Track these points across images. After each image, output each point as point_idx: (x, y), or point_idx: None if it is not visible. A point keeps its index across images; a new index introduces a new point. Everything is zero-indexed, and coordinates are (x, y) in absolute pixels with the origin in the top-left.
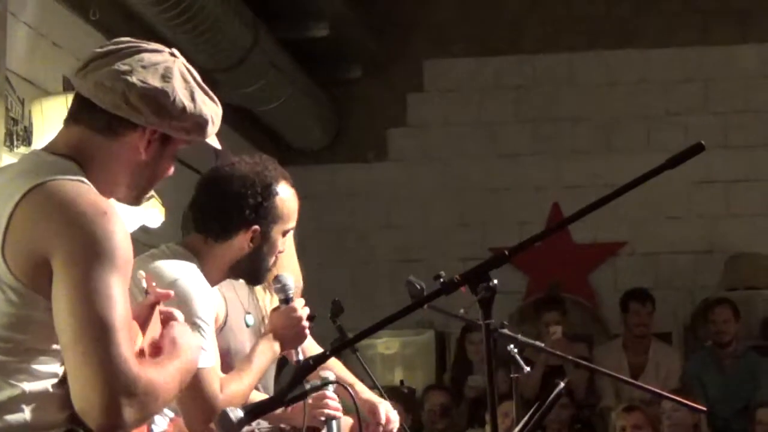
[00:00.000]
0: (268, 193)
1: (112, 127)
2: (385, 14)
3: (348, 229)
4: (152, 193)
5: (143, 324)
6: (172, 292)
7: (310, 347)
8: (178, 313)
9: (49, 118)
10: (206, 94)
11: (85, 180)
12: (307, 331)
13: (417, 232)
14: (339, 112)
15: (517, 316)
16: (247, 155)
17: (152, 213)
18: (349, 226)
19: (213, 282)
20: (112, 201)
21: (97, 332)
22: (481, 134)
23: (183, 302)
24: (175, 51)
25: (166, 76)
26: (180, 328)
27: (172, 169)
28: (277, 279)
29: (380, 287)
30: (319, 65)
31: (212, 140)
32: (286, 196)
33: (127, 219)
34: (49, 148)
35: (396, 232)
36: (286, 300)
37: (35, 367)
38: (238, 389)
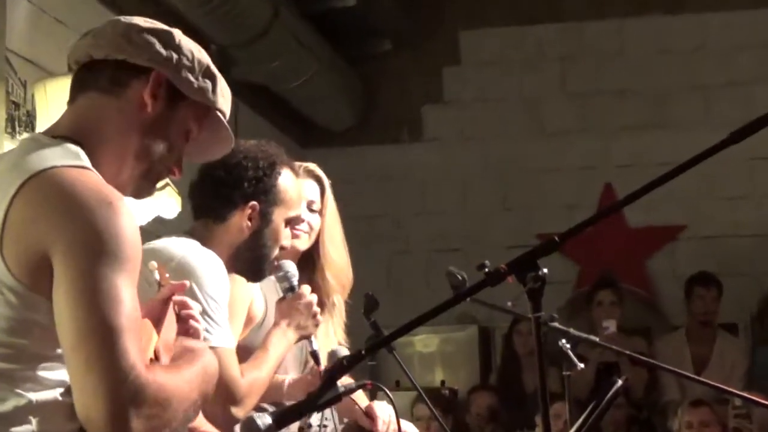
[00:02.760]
0: (271, 170)
1: (115, 78)
2: None
3: (380, 217)
4: (167, 180)
5: (157, 322)
6: (187, 283)
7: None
8: (194, 305)
9: (54, 101)
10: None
11: (89, 165)
12: (320, 318)
13: (456, 218)
14: (368, 89)
15: (567, 308)
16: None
17: (168, 202)
18: (381, 213)
19: None
20: None
21: (101, 336)
22: (524, 110)
23: (191, 278)
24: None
25: (170, 30)
26: (199, 326)
27: (178, 167)
28: (278, 267)
29: (417, 279)
30: (345, 39)
31: (225, 109)
32: (290, 184)
33: (139, 209)
34: (50, 131)
35: (433, 218)
36: (291, 288)
37: (42, 374)
38: (259, 376)
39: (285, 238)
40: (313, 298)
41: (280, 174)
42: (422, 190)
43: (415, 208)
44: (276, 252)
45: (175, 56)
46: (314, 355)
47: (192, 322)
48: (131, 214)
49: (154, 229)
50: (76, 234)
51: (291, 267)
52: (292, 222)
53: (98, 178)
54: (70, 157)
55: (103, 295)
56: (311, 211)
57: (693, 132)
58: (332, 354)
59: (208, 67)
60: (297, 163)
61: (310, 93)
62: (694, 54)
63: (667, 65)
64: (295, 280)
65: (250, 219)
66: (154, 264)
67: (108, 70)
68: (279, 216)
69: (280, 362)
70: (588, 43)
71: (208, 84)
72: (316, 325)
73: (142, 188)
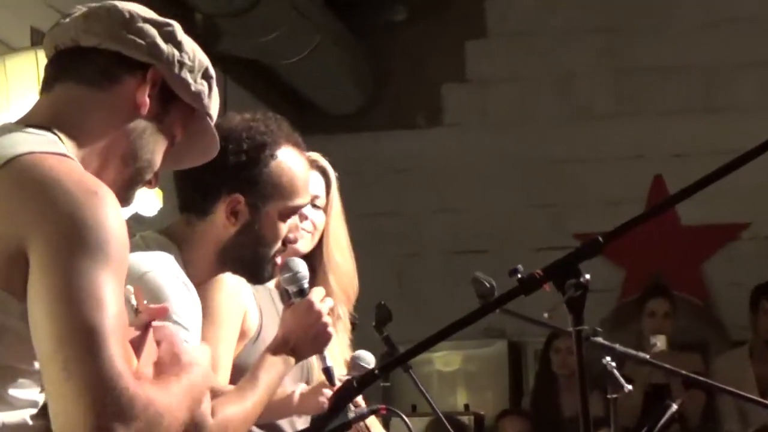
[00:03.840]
0: (258, 152)
1: (106, 71)
2: None
3: (392, 214)
4: None
5: (137, 349)
6: (168, 305)
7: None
8: (177, 331)
9: (15, 78)
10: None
11: (70, 155)
12: (331, 330)
13: (480, 215)
14: (378, 65)
15: (611, 320)
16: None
17: (147, 198)
18: (392, 210)
19: (200, 277)
20: None
21: (83, 341)
22: (559, 90)
23: (156, 298)
24: None
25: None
26: (183, 344)
27: (161, 166)
28: (285, 266)
29: (435, 287)
30: (352, 6)
31: (211, 121)
32: (290, 164)
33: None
34: (24, 121)
35: (453, 216)
36: (300, 292)
37: (11, 392)
38: (237, 412)
39: (291, 230)
40: (325, 306)
41: (272, 157)
42: (440, 184)
43: (432, 205)
44: (276, 249)
45: (176, 54)
46: (327, 373)
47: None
48: (118, 207)
49: (132, 228)
50: (55, 225)
51: (301, 266)
52: (290, 213)
53: (81, 168)
54: (50, 145)
55: (85, 293)
56: (315, 207)
57: (757, 115)
58: (355, 361)
59: (207, 69)
60: None
61: (310, 70)
62: (757, 25)
63: (725, 38)
64: (305, 283)
65: (234, 213)
66: (130, 288)
67: (99, 60)
68: (274, 208)
69: (273, 391)
70: (632, 13)
71: (205, 87)
72: (328, 341)
73: (125, 197)
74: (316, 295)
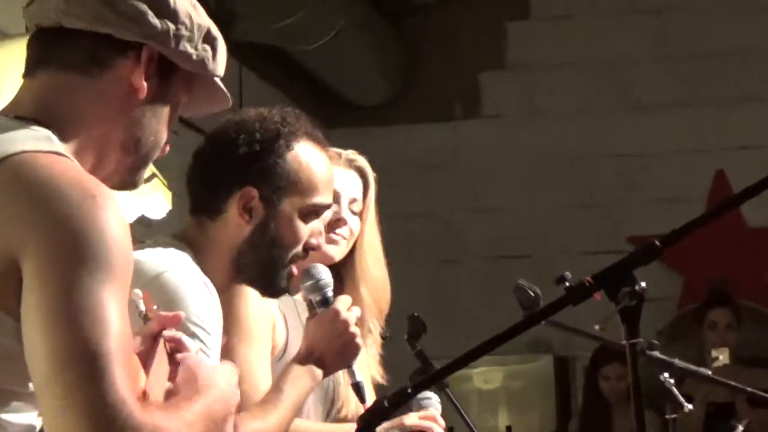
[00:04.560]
0: (272, 142)
1: (95, 56)
2: None
3: (425, 215)
4: (153, 169)
5: (145, 362)
6: (182, 314)
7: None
8: (189, 342)
9: (9, 67)
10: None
11: (64, 152)
12: (359, 341)
13: (523, 216)
14: (410, 51)
15: (668, 332)
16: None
17: (154, 199)
18: (426, 210)
19: (216, 287)
20: None
21: (84, 363)
22: (610, 78)
23: (172, 301)
24: None
25: None
26: (199, 361)
27: (167, 143)
28: (306, 273)
29: (474, 296)
30: None
31: (221, 84)
32: (308, 158)
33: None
34: (9, 111)
35: (493, 217)
36: (324, 301)
37: (5, 417)
38: (262, 428)
39: (313, 235)
40: (354, 314)
41: (288, 148)
42: (479, 182)
43: (470, 204)
44: (294, 253)
45: (171, 27)
46: (357, 389)
47: None
48: (120, 211)
49: (138, 233)
50: (50, 235)
51: (324, 273)
52: (311, 213)
53: (77, 167)
54: (40, 141)
55: (85, 311)
56: (352, 213)
57: None
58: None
59: (208, 31)
60: (336, 150)
61: (334, 57)
62: None
63: None
64: (329, 291)
65: (247, 210)
66: (138, 292)
67: (84, 44)
68: (292, 205)
69: (299, 407)
70: None
71: (208, 51)
72: (356, 353)
73: (131, 181)
74: (343, 303)
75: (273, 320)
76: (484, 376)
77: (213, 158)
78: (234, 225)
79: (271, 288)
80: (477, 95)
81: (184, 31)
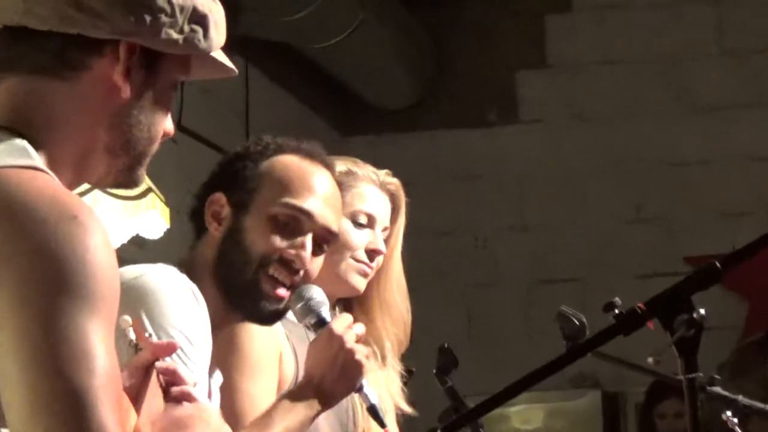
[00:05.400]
0: (249, 150)
1: (65, 58)
2: None
3: (458, 233)
4: (149, 183)
5: (137, 397)
6: (177, 343)
7: None
8: (187, 374)
9: None
10: None
11: (41, 166)
12: (360, 358)
13: (567, 234)
14: (439, 48)
15: (732, 365)
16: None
17: (150, 217)
18: (457, 227)
19: (212, 321)
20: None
21: (67, 404)
22: (664, 77)
23: (150, 305)
24: None
25: None
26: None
27: (170, 124)
28: (296, 294)
29: (512, 324)
30: None
31: (220, 55)
32: (289, 164)
33: (110, 227)
34: None
35: (533, 234)
36: (320, 322)
37: None
38: None
39: (293, 247)
40: (354, 331)
41: (266, 156)
42: (517, 195)
43: (507, 220)
44: (266, 259)
45: (148, 18)
46: (373, 412)
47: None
48: (105, 232)
49: (131, 256)
50: (27, 261)
51: (316, 292)
52: (287, 217)
53: (56, 184)
54: (16, 155)
55: (67, 346)
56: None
57: None
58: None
59: (194, 9)
60: (372, 169)
61: (354, 55)
62: None
63: None
64: (324, 310)
65: (216, 218)
66: (127, 319)
67: (52, 46)
68: (260, 207)
69: None
70: None
71: (198, 31)
72: (359, 373)
73: (131, 179)
74: (340, 322)
75: (279, 349)
76: (524, 415)
77: (208, 180)
78: (211, 240)
79: (254, 314)
80: (514, 97)
81: (164, 18)
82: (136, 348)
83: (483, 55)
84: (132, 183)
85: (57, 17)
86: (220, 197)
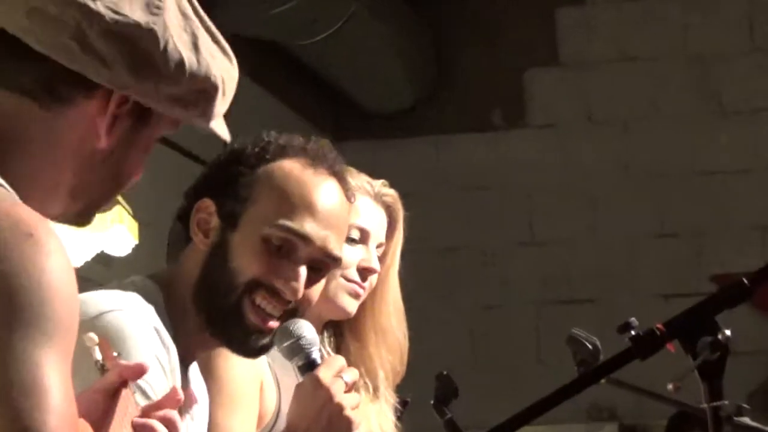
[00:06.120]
0: (244, 152)
1: (54, 90)
2: None
3: (461, 248)
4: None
5: (101, 421)
6: (146, 365)
7: None
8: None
9: None
10: (215, 40)
11: (1, 181)
12: (349, 413)
13: (582, 249)
14: (440, 46)
15: (762, 393)
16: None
17: (117, 233)
18: (461, 242)
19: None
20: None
21: None
22: (690, 77)
23: (113, 344)
24: None
25: (153, 5)
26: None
27: (140, 173)
28: (283, 331)
29: (520, 348)
30: None
31: (218, 125)
32: (289, 174)
33: (73, 243)
34: None
35: (545, 250)
36: (310, 365)
37: None
38: None
39: (283, 271)
40: (345, 379)
41: (264, 160)
42: (527, 206)
43: (516, 235)
44: (253, 282)
45: (152, 80)
46: None
47: None
48: (63, 252)
49: (95, 274)
50: None
51: (307, 330)
52: (282, 240)
53: (12, 197)
54: None
55: (20, 381)
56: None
57: None
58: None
59: (206, 78)
60: (368, 179)
61: (345, 53)
62: None
63: None
64: (315, 352)
65: (202, 228)
66: (93, 337)
67: (43, 71)
68: (253, 224)
69: None
70: None
71: (201, 104)
72: (347, 430)
73: (78, 224)
74: (328, 368)
75: (261, 379)
76: None
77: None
78: (196, 254)
79: (238, 346)
80: (522, 99)
81: (169, 86)
82: (103, 369)
83: (488, 53)
84: (83, 225)
85: (58, 47)
86: (208, 204)
